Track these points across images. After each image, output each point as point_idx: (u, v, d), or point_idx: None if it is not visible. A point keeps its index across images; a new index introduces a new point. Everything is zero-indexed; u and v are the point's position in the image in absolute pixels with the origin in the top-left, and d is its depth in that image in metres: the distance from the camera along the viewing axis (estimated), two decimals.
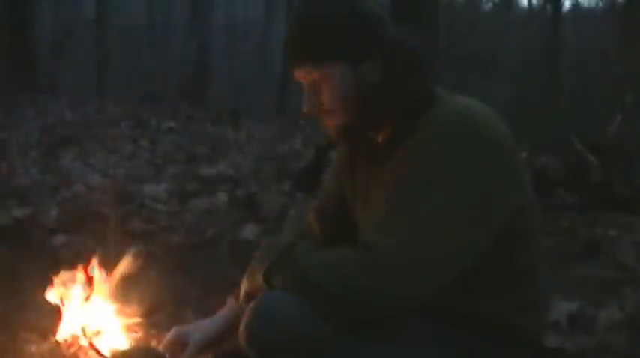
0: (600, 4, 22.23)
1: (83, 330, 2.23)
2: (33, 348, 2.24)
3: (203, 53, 18.21)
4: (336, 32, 1.51)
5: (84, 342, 2.21)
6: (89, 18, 19.96)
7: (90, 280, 2.27)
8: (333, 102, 1.54)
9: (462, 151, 1.45)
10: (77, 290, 2.29)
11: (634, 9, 8.98)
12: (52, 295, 2.27)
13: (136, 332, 2.39)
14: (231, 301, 1.83)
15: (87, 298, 2.28)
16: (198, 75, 18.00)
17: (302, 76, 1.57)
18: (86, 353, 2.20)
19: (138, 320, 2.44)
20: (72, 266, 2.29)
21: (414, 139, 1.50)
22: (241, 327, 1.52)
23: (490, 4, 22.85)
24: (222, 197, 4.75)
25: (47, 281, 2.28)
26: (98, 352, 2.18)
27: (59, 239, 3.51)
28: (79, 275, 2.28)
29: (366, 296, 1.43)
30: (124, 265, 2.31)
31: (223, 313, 1.85)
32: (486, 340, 1.56)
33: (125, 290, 2.36)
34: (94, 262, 2.28)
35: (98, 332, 2.25)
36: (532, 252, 1.59)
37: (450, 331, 1.55)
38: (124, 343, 2.26)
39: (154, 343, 2.27)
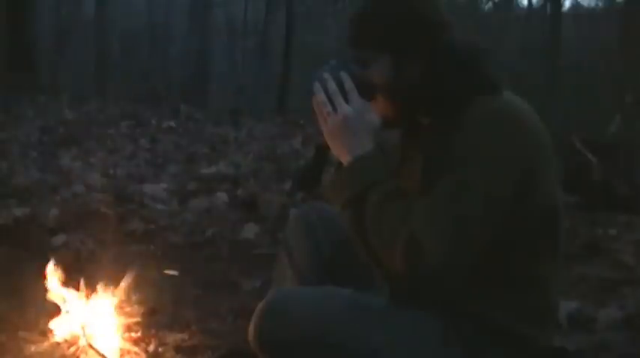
0: (600, 3, 22.24)
1: (83, 330, 2.23)
2: (33, 348, 2.24)
3: (203, 53, 18.24)
4: (384, 27, 1.60)
5: (84, 342, 2.21)
6: (88, 18, 19.97)
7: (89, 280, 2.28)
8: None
9: (490, 155, 1.48)
10: (77, 290, 2.29)
11: (634, 9, 8.97)
12: (52, 295, 2.28)
13: (135, 332, 2.39)
14: None
15: (87, 298, 2.29)
16: (198, 74, 18.03)
17: (353, 52, 1.65)
18: (86, 353, 2.20)
19: (138, 320, 2.44)
20: (72, 266, 2.29)
21: (452, 132, 1.52)
22: (250, 328, 1.52)
23: (490, 4, 22.86)
24: (222, 197, 4.75)
25: (47, 281, 2.29)
26: (98, 352, 2.19)
27: (59, 239, 3.51)
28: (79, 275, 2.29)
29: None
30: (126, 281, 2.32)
31: None
32: (494, 346, 1.57)
33: (125, 290, 2.36)
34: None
35: (98, 332, 2.25)
36: (551, 265, 1.60)
37: (459, 334, 1.55)
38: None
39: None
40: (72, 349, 2.21)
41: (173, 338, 2.40)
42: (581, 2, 22.88)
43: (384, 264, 1.51)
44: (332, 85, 1.58)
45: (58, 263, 2.31)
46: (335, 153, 1.60)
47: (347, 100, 1.57)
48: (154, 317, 2.54)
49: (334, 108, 1.56)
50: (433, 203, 1.47)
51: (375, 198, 1.51)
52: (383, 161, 1.57)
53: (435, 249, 1.43)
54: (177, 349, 2.33)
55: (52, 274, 2.27)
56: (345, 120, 1.55)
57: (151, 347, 2.32)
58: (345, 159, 1.56)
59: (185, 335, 2.43)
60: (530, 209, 1.53)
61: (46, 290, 2.28)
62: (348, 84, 1.58)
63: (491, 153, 1.48)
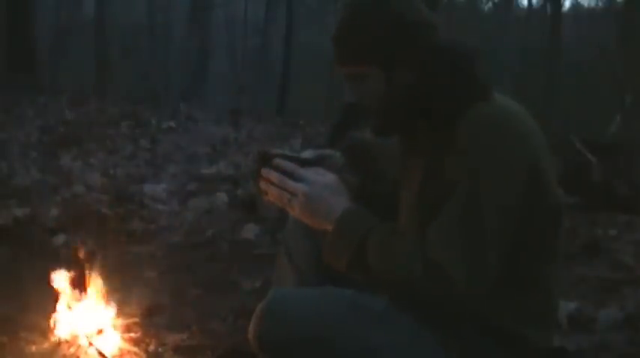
0: (600, 3, 22.25)
1: (83, 330, 2.23)
2: (34, 348, 2.24)
3: (203, 53, 18.24)
4: (373, 39, 1.58)
5: (84, 342, 2.21)
6: (88, 18, 19.98)
7: (89, 280, 2.28)
8: (366, 100, 1.63)
9: (494, 162, 1.48)
10: (77, 290, 2.29)
11: (633, 9, 8.98)
12: (52, 294, 2.28)
13: (135, 332, 2.39)
14: None
15: (87, 298, 2.29)
16: (198, 75, 18.03)
17: (342, 70, 1.65)
18: (86, 353, 2.20)
19: (138, 320, 2.44)
20: (71, 266, 2.29)
21: (450, 139, 1.51)
22: (250, 328, 1.53)
23: (490, 4, 22.88)
24: (222, 197, 4.75)
25: (47, 282, 2.29)
26: (98, 352, 2.19)
27: (59, 239, 3.52)
28: (79, 275, 2.29)
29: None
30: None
31: None
32: (495, 346, 1.56)
33: (125, 290, 2.36)
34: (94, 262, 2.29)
35: (98, 332, 2.25)
36: (552, 265, 1.60)
37: (459, 335, 1.55)
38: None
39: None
40: (72, 349, 2.21)
41: (173, 338, 2.40)
42: (581, 2, 22.90)
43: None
44: (274, 175, 1.59)
45: (58, 263, 2.32)
46: (318, 228, 1.60)
47: (295, 179, 1.58)
48: (154, 317, 2.55)
49: (291, 193, 1.58)
50: (447, 223, 1.47)
51: (376, 239, 1.51)
52: (362, 210, 1.57)
53: (459, 270, 1.43)
54: (177, 349, 2.33)
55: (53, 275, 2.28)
56: (307, 196, 1.57)
57: (151, 347, 2.32)
58: (329, 226, 1.57)
59: (185, 336, 2.43)
60: (535, 209, 1.53)
61: (47, 290, 2.28)
62: (286, 165, 1.59)
63: (494, 158, 1.48)
